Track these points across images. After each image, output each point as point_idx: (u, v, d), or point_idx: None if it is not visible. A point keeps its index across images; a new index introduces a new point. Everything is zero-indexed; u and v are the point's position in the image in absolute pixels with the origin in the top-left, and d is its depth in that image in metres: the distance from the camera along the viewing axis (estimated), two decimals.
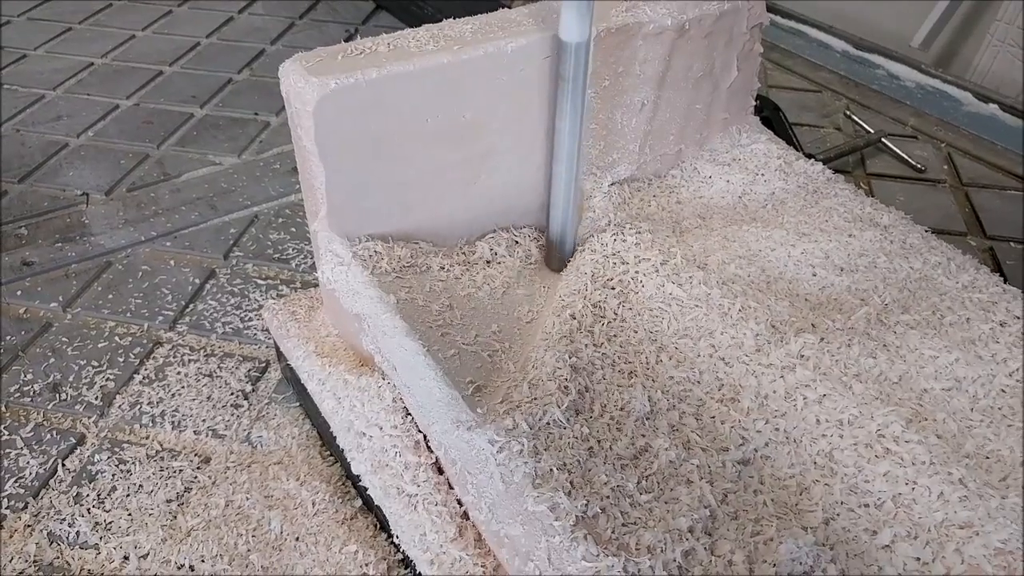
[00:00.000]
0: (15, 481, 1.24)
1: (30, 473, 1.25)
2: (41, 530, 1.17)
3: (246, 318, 1.54)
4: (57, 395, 1.38)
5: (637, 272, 1.14)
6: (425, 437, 0.97)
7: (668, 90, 1.27)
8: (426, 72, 1.03)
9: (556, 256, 1.20)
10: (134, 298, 1.59)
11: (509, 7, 1.18)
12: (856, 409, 0.94)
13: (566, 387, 0.96)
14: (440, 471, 0.96)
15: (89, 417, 1.34)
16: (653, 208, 1.32)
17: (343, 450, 1.06)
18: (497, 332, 1.10)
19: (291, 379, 1.31)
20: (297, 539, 1.14)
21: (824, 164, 1.39)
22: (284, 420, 1.33)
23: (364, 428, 1.02)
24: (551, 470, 0.86)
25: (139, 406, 1.36)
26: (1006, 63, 2.23)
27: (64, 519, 1.18)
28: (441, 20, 1.12)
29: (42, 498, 1.21)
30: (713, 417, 0.99)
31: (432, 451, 0.96)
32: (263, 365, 1.44)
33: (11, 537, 1.16)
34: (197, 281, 1.63)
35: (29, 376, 1.42)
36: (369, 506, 1.16)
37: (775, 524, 0.87)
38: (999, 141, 2.07)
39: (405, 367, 0.97)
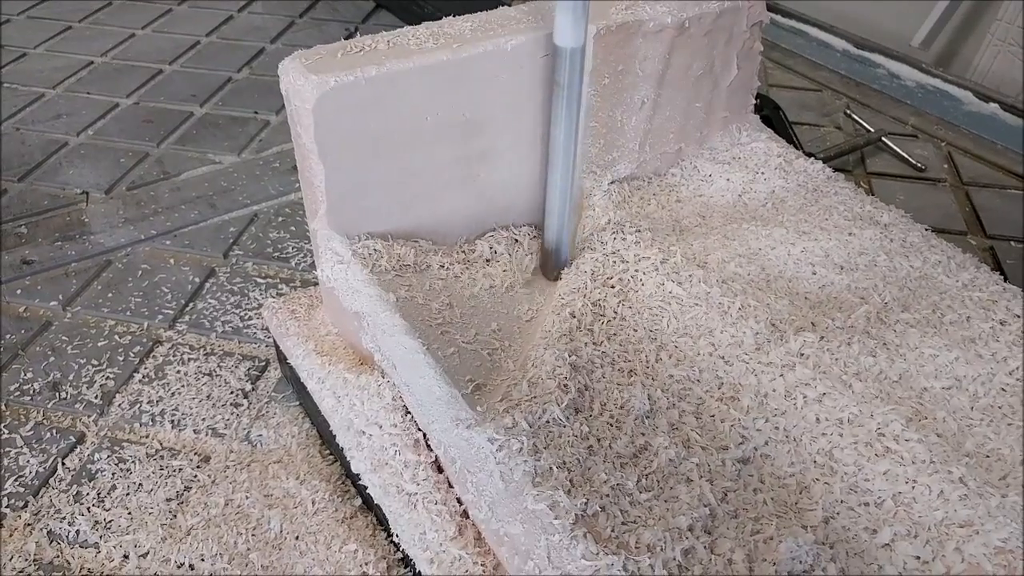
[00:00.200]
0: (15, 480, 1.24)
1: (30, 472, 1.25)
2: (41, 529, 1.17)
3: (246, 317, 1.54)
4: (57, 394, 1.38)
5: (637, 270, 1.14)
6: (425, 435, 0.97)
7: (668, 88, 1.27)
8: (426, 70, 1.03)
9: (552, 266, 1.19)
10: (134, 297, 1.59)
11: (509, 5, 1.18)
12: (856, 408, 0.94)
13: (566, 385, 0.96)
14: (440, 469, 0.96)
15: (89, 416, 1.34)
16: (653, 207, 1.32)
17: (343, 449, 1.06)
18: (497, 330, 1.10)
19: (291, 378, 1.31)
20: (297, 538, 1.14)
21: (824, 163, 1.39)
22: (284, 419, 1.33)
23: (364, 426, 1.02)
24: (551, 468, 0.86)
25: (139, 405, 1.36)
26: (1006, 62, 2.23)
27: (64, 518, 1.18)
28: (441, 18, 1.12)
29: (42, 497, 1.21)
30: (713, 416, 0.98)
31: (432, 449, 0.96)
32: (263, 364, 1.43)
33: (11, 536, 1.16)
34: (197, 280, 1.63)
35: (29, 375, 1.42)
36: (369, 505, 1.15)
37: (775, 523, 0.87)
38: (999, 140, 2.07)
39: (405, 365, 0.97)
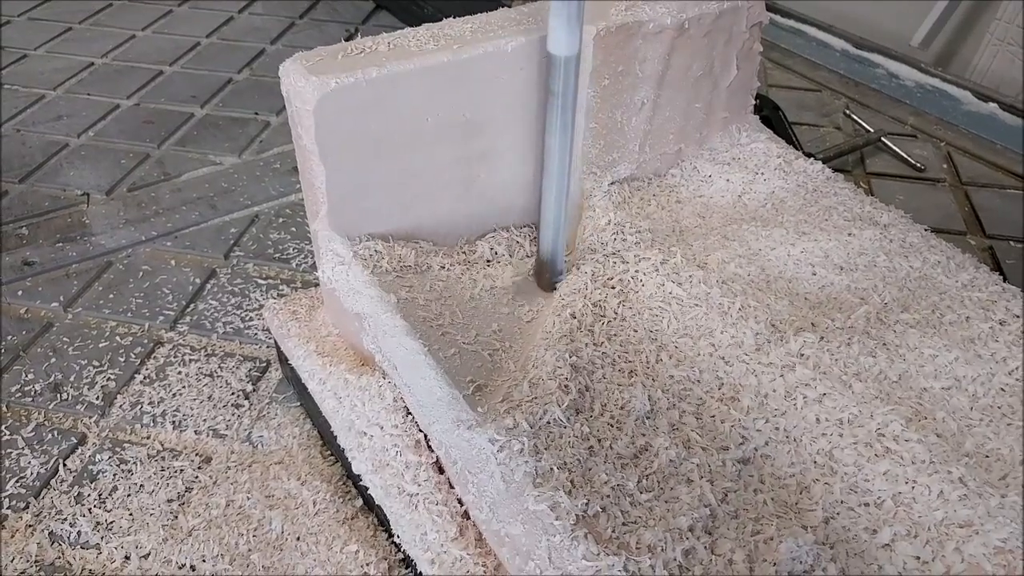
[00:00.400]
0: (16, 481, 1.24)
1: (31, 473, 1.25)
2: (42, 530, 1.17)
3: (247, 318, 1.54)
4: (58, 395, 1.38)
5: (637, 271, 1.14)
6: (426, 436, 0.97)
7: (668, 89, 1.27)
8: (426, 71, 1.03)
9: (547, 277, 1.18)
10: (135, 298, 1.59)
11: (509, 6, 1.18)
12: (856, 408, 0.95)
13: (566, 386, 0.96)
14: (441, 470, 0.96)
15: (90, 417, 1.34)
16: (653, 207, 1.32)
17: (344, 449, 1.06)
18: (497, 331, 1.10)
19: (292, 379, 1.31)
20: (298, 539, 1.14)
21: (824, 163, 1.39)
22: (285, 420, 1.33)
23: (365, 427, 1.02)
24: (551, 469, 0.86)
25: (140, 406, 1.36)
26: (1005, 62, 2.23)
27: (65, 519, 1.18)
28: (441, 19, 1.13)
29: (43, 498, 1.22)
30: (713, 416, 0.99)
31: (433, 450, 0.96)
32: (264, 365, 1.44)
33: (12, 537, 1.16)
34: (198, 281, 1.63)
35: (30, 376, 1.42)
36: (370, 506, 1.16)
37: (775, 523, 0.87)
38: (999, 140, 2.07)
39: (406, 366, 0.97)
